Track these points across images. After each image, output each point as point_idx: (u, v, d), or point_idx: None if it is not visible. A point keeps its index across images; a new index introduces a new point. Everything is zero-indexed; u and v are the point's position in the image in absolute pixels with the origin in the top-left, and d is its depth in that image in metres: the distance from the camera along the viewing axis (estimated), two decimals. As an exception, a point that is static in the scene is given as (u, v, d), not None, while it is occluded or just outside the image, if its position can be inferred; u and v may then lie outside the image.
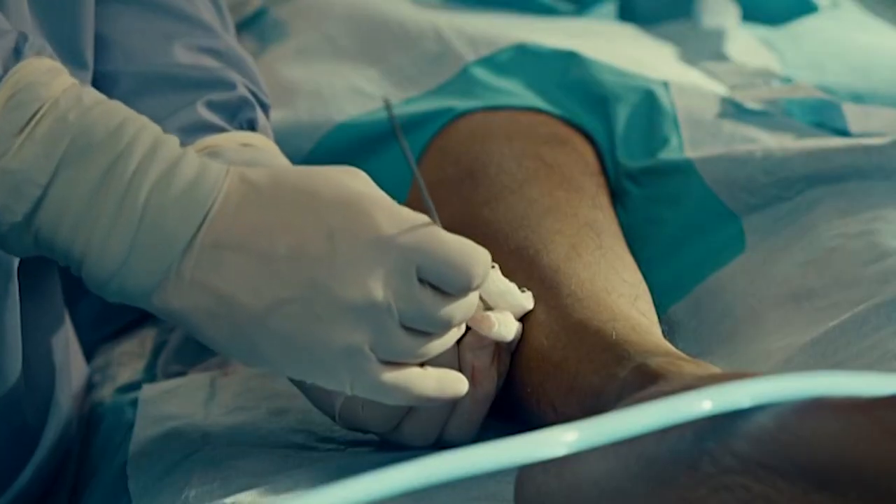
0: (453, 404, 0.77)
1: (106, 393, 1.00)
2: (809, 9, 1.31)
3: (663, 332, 0.82)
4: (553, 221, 0.89)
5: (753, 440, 0.60)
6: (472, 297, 0.74)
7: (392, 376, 0.72)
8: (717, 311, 0.91)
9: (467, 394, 0.77)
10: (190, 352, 1.02)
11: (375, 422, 0.77)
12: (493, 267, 0.78)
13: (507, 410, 0.82)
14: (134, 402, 0.93)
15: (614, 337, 0.75)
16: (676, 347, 0.75)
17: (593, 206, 0.93)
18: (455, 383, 0.75)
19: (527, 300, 0.79)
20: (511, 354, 0.80)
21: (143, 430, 0.88)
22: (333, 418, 0.79)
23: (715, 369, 0.71)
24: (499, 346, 0.79)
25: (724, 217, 0.96)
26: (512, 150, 0.97)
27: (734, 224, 0.95)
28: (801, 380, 0.61)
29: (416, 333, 0.72)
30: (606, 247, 0.88)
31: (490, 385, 0.78)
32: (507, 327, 0.78)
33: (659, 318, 0.85)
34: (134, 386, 0.98)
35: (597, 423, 0.59)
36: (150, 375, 1.01)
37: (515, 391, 0.80)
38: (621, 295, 0.82)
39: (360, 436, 0.83)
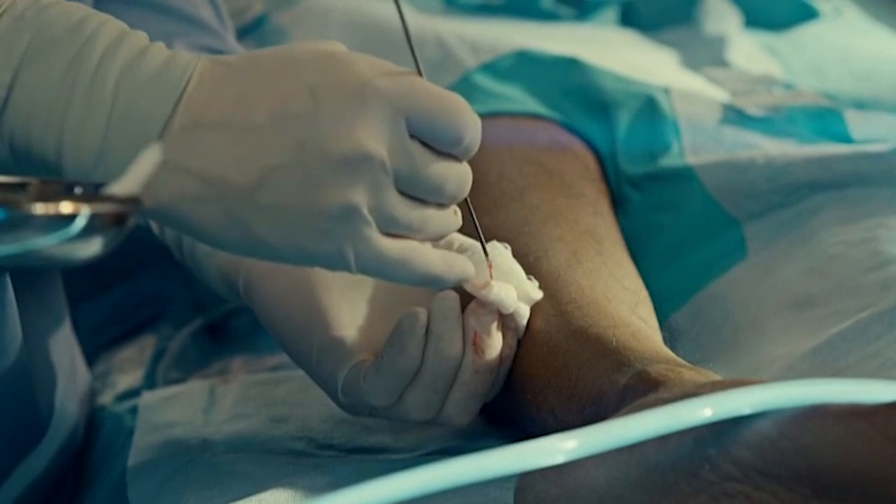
0: (454, 374, 0.77)
1: (106, 400, 1.00)
2: (811, 15, 1.31)
3: (664, 338, 0.81)
4: (553, 228, 0.89)
5: (754, 447, 0.59)
6: (465, 167, 0.72)
7: (395, 246, 0.70)
8: (718, 318, 0.91)
9: (469, 363, 0.76)
10: (190, 359, 1.02)
11: (377, 393, 0.76)
12: (505, 247, 0.78)
13: (508, 417, 0.82)
14: (134, 410, 0.93)
15: (614, 344, 0.75)
16: (677, 354, 0.75)
17: (594, 213, 0.93)
18: (462, 263, 0.73)
19: (533, 289, 0.79)
20: (517, 342, 0.79)
21: (143, 437, 0.87)
22: (336, 396, 0.78)
23: (716, 376, 0.70)
24: (504, 323, 0.78)
25: (726, 223, 0.96)
26: (513, 157, 0.97)
27: (735, 231, 0.95)
28: (801, 387, 0.61)
29: (412, 201, 0.70)
30: (607, 253, 0.88)
31: (492, 355, 0.77)
32: (507, 295, 0.77)
33: (660, 324, 0.85)
34: (134, 393, 0.98)
35: (596, 430, 0.59)
36: (150, 382, 1.01)
37: (516, 397, 0.80)
38: (622, 302, 0.82)
39: (360, 443, 0.82)
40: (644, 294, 0.87)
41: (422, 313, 0.76)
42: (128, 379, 1.02)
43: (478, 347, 0.77)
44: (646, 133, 1.04)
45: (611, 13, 1.31)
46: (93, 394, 1.01)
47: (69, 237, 0.62)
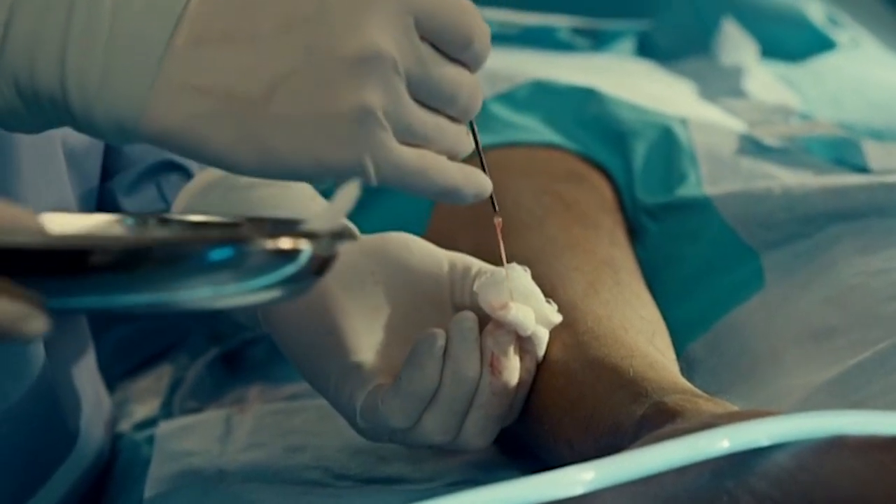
0: (472, 395, 0.77)
1: (123, 429, 1.00)
2: (828, 46, 1.31)
3: (681, 369, 0.81)
4: (570, 258, 0.89)
5: (772, 479, 0.59)
6: (476, 81, 0.70)
7: (414, 155, 0.68)
8: (735, 349, 0.91)
9: (486, 384, 0.76)
10: (206, 388, 1.02)
11: (395, 415, 0.76)
12: (525, 269, 0.78)
13: (524, 447, 0.81)
14: (151, 439, 0.93)
15: (631, 374, 0.75)
16: (694, 385, 0.75)
17: (611, 243, 0.93)
18: (481, 178, 0.72)
19: (552, 312, 0.79)
20: (536, 367, 0.79)
21: (160, 467, 0.87)
22: (354, 421, 0.78)
23: (733, 407, 0.70)
24: (522, 346, 0.78)
25: (743, 254, 0.96)
26: (529, 187, 0.98)
27: (753, 261, 0.95)
28: (820, 418, 0.60)
29: (426, 108, 0.69)
30: (624, 284, 0.88)
31: (509, 377, 0.77)
32: (525, 317, 0.77)
33: (677, 355, 0.85)
34: (151, 422, 0.98)
35: (614, 461, 0.59)
36: (167, 412, 1.01)
37: (532, 427, 0.80)
38: (639, 332, 0.82)
39: (376, 473, 0.82)
40: (661, 324, 0.86)
41: (439, 334, 0.76)
42: (145, 408, 1.02)
43: (495, 369, 0.77)
44: (663, 163, 1.04)
45: (627, 44, 1.31)
46: (114, 421, 1.01)
47: (288, 276, 0.61)
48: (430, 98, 0.69)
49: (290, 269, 0.61)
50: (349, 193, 0.64)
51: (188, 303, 0.60)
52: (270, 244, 0.61)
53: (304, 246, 0.62)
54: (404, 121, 0.67)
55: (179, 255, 0.60)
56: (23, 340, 0.57)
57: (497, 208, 0.76)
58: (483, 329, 0.77)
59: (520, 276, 0.77)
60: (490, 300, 0.76)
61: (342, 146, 0.66)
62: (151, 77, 0.66)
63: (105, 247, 0.59)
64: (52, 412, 0.86)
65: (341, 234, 0.64)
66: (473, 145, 0.72)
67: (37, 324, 0.56)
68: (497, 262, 0.78)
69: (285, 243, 0.61)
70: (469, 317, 0.76)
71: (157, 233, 0.72)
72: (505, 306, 0.76)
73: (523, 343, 0.78)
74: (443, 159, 0.69)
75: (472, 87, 0.70)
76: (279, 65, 0.66)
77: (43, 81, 0.67)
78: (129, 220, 0.73)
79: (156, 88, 0.66)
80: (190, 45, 0.66)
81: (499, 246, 0.77)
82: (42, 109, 0.68)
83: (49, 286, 0.56)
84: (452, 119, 0.70)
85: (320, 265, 0.63)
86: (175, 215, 0.74)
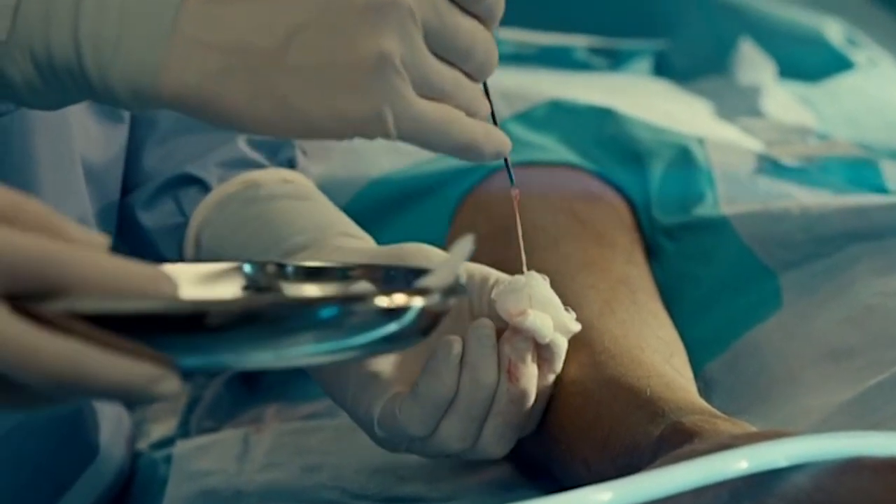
0: (490, 402, 0.76)
1: (141, 448, 1.00)
2: (846, 66, 1.31)
3: (699, 389, 0.81)
4: (587, 277, 0.88)
5: (790, 500, 0.59)
6: (492, 37, 0.70)
7: (434, 108, 0.68)
8: (753, 369, 0.91)
9: (504, 391, 0.76)
10: (223, 408, 1.02)
11: (413, 422, 0.76)
12: (543, 278, 0.77)
13: (541, 467, 0.81)
14: (168, 458, 0.93)
15: (648, 394, 0.75)
16: (712, 405, 0.74)
17: (627, 262, 0.93)
18: (502, 136, 0.71)
19: (571, 321, 0.79)
20: (555, 379, 0.79)
21: (178, 486, 0.87)
22: (373, 431, 0.78)
23: (751, 428, 0.70)
24: (540, 354, 0.78)
25: (761, 273, 0.95)
26: (546, 206, 0.98)
27: (771, 281, 0.95)
28: (838, 439, 0.60)
29: (443, 62, 0.68)
30: (641, 303, 0.88)
31: (527, 384, 0.77)
32: (543, 324, 0.76)
33: (695, 375, 0.84)
34: (168, 441, 0.99)
35: (631, 482, 0.59)
36: (184, 431, 1.01)
37: (549, 447, 0.80)
38: (655, 351, 0.82)
39: (394, 492, 0.82)
40: (678, 344, 0.86)
41: (456, 341, 0.76)
42: (162, 427, 1.02)
43: (512, 375, 0.76)
44: (680, 183, 1.04)
45: (645, 63, 1.31)
46: (134, 438, 1.01)
47: (392, 333, 0.60)
48: (446, 51, 0.68)
49: (394, 327, 0.60)
50: (463, 247, 0.63)
51: (292, 360, 0.59)
52: (384, 301, 0.60)
53: (416, 303, 0.61)
54: (422, 71, 0.67)
55: (288, 314, 0.59)
56: (155, 400, 0.57)
57: (514, 180, 0.75)
58: (501, 337, 0.77)
59: (538, 284, 0.77)
60: (508, 307, 0.76)
61: (361, 96, 0.66)
62: (165, 37, 0.65)
63: (225, 308, 0.58)
64: (74, 426, 0.86)
65: (454, 290, 0.63)
66: (490, 107, 0.71)
67: (170, 384, 0.56)
68: (518, 271, 0.78)
69: (399, 300, 0.60)
70: (486, 324, 0.76)
71: (275, 281, 0.73)
72: (523, 313, 0.76)
73: (541, 351, 0.78)
74: (462, 114, 0.69)
75: (487, 42, 0.69)
76: (294, 16, 0.66)
77: (58, 50, 0.66)
78: (248, 268, 0.73)
79: (170, 48, 0.65)
80: (202, 2, 0.66)
81: (516, 220, 0.76)
82: (59, 81, 0.67)
83: (172, 346, 0.56)
84: (469, 77, 0.69)
85: (429, 323, 0.62)
86: (291, 262, 0.75)
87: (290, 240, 0.86)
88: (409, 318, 0.60)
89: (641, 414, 0.74)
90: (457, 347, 0.76)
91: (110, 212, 0.92)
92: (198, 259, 0.90)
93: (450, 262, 0.63)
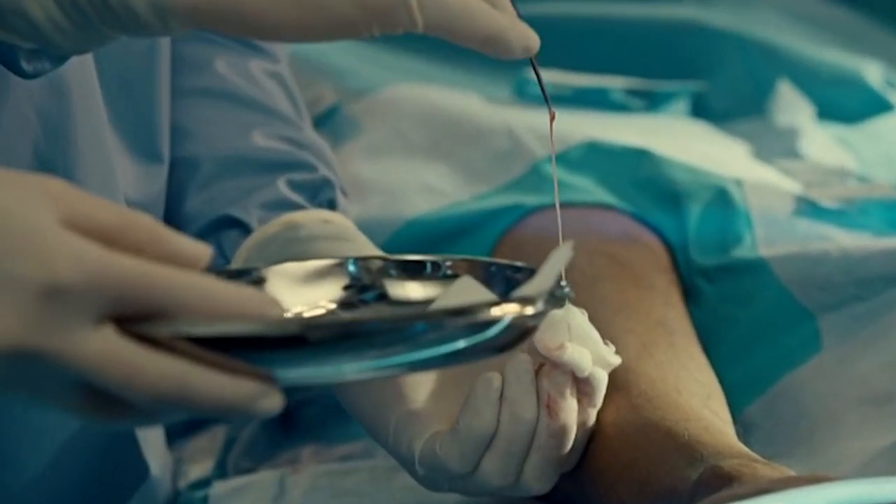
0: (530, 438, 0.76)
1: (178, 487, 1.00)
2: (886, 108, 1.31)
3: (738, 432, 0.80)
4: (624, 320, 0.88)
5: (830, 546, 0.58)
6: None
7: None
8: (792, 412, 0.90)
9: (544, 426, 0.75)
10: (260, 448, 1.03)
11: (454, 460, 0.75)
12: (582, 312, 0.77)
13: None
14: (205, 499, 0.93)
15: (686, 437, 0.74)
16: (751, 449, 0.74)
17: (665, 305, 0.92)
18: (531, 32, 0.68)
19: (610, 354, 0.78)
20: (595, 414, 0.79)
21: (213, 527, 0.88)
22: (414, 470, 0.77)
23: (790, 472, 0.69)
24: (580, 388, 0.77)
25: (800, 316, 0.95)
26: (583, 248, 0.97)
27: (810, 323, 0.94)
28: (879, 485, 0.60)
29: None
30: (678, 346, 0.87)
31: (566, 419, 0.76)
32: (582, 358, 0.76)
33: (733, 418, 0.84)
34: (205, 482, 0.99)
35: (669, 526, 0.58)
36: (221, 472, 1.01)
37: (586, 490, 0.79)
38: (693, 395, 0.81)
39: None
40: (716, 387, 0.86)
41: (495, 377, 0.76)
42: (199, 468, 1.02)
43: (552, 410, 0.76)
44: (718, 224, 1.03)
45: (682, 104, 1.31)
46: (175, 476, 1.02)
47: (482, 340, 0.60)
48: None
49: (490, 333, 0.60)
50: (563, 253, 0.63)
51: (388, 371, 0.59)
52: (500, 311, 0.59)
53: (511, 310, 0.60)
54: None
55: (389, 328, 0.59)
56: (257, 418, 0.57)
57: (549, 101, 0.74)
58: (539, 371, 0.77)
59: (576, 316, 0.77)
60: (546, 341, 0.76)
61: None
62: None
63: (323, 326, 0.59)
64: (127, 443, 0.86)
65: (554, 298, 0.62)
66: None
67: (273, 401, 0.56)
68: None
69: (511, 308, 0.60)
70: (524, 359, 0.76)
71: (378, 278, 0.74)
72: (561, 347, 0.75)
73: (581, 385, 0.77)
74: (487, 6, 0.67)
75: None
76: None
77: None
78: (352, 265, 0.74)
79: None
80: None
81: (551, 137, 0.76)
82: (79, 11, 0.66)
83: (272, 362, 0.57)
84: None
85: (520, 334, 0.62)
86: (393, 256, 0.75)
87: None
88: (501, 326, 0.60)
89: (679, 457, 0.73)
90: (496, 383, 0.75)
91: None
92: None
93: (548, 268, 0.62)
